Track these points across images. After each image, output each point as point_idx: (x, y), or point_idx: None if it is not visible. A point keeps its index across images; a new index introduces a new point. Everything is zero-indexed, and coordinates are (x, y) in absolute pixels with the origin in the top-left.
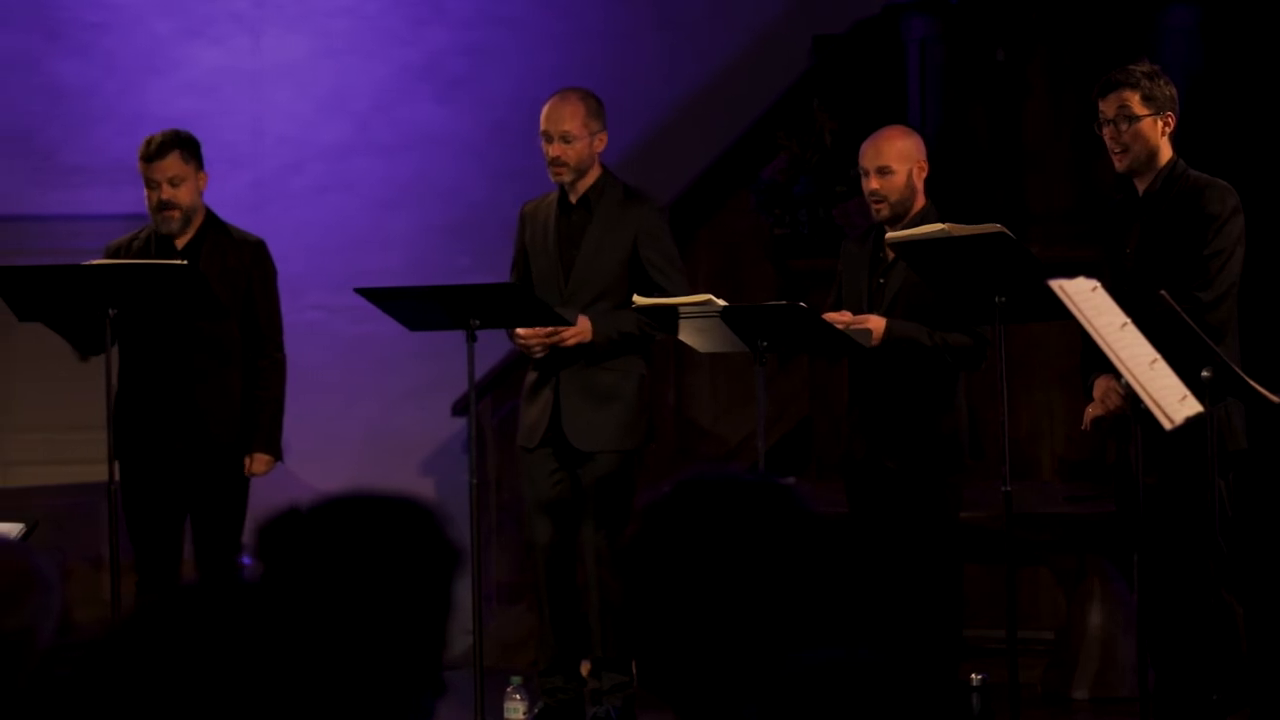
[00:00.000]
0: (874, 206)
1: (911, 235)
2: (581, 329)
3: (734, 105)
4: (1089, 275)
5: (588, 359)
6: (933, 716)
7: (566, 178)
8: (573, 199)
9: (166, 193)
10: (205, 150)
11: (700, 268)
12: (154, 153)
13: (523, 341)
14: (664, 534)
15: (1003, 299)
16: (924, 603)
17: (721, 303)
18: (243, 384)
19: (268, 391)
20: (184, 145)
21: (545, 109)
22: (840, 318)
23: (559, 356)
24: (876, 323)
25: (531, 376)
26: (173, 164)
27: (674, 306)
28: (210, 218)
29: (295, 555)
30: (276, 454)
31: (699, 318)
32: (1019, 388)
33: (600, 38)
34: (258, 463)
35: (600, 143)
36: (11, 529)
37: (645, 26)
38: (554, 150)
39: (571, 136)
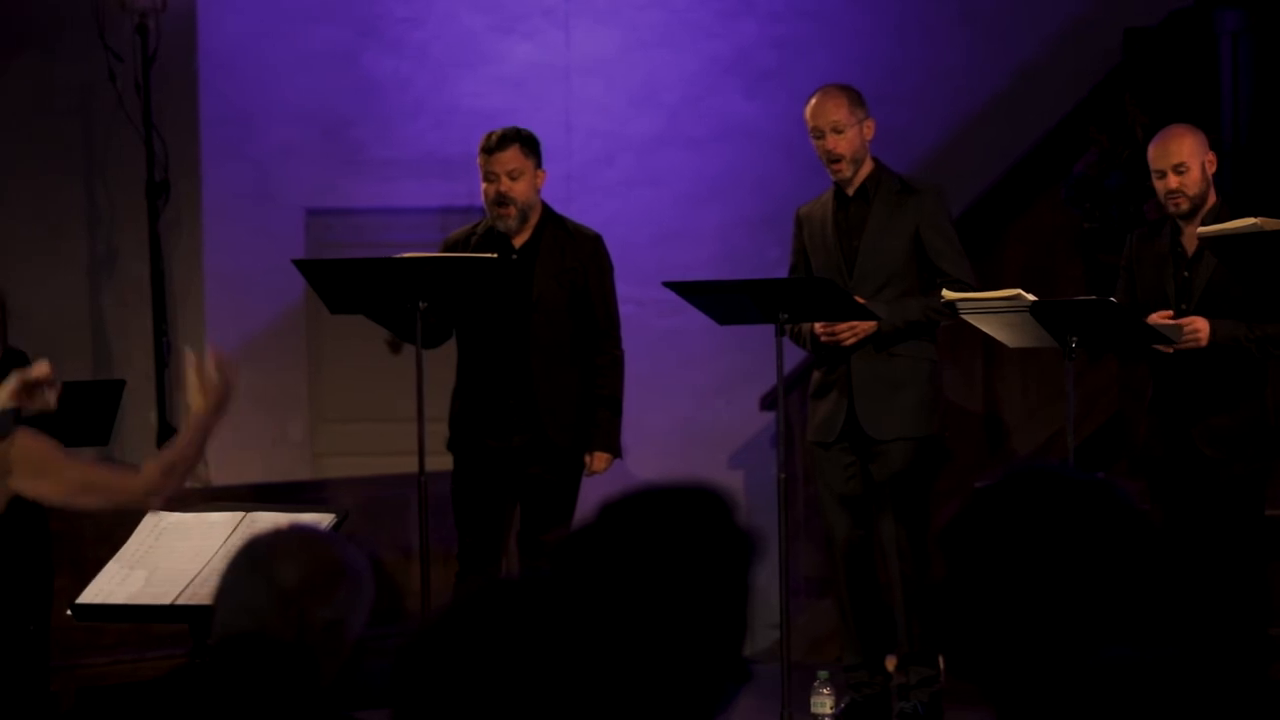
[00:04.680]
0: (1172, 203)
1: (1224, 230)
2: (866, 323)
3: (1043, 99)
4: None
5: (875, 347)
6: (1241, 716)
7: (846, 171)
8: (849, 191)
9: (504, 184)
10: None
11: (1010, 262)
12: (495, 145)
13: (825, 333)
14: (992, 520)
15: None
16: (1229, 599)
17: (1031, 297)
18: (580, 381)
19: (607, 389)
20: (525, 141)
21: (809, 109)
22: (1163, 319)
23: (847, 348)
24: (1203, 325)
25: (819, 372)
26: (512, 156)
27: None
28: (547, 214)
29: (595, 550)
30: (616, 452)
31: (1008, 313)
32: None
33: (908, 30)
34: (597, 461)
35: (869, 130)
36: (322, 520)
37: (953, 20)
38: (829, 144)
39: (842, 125)
